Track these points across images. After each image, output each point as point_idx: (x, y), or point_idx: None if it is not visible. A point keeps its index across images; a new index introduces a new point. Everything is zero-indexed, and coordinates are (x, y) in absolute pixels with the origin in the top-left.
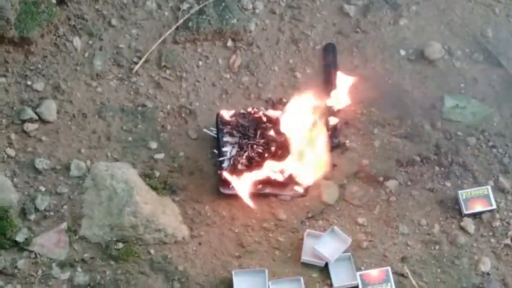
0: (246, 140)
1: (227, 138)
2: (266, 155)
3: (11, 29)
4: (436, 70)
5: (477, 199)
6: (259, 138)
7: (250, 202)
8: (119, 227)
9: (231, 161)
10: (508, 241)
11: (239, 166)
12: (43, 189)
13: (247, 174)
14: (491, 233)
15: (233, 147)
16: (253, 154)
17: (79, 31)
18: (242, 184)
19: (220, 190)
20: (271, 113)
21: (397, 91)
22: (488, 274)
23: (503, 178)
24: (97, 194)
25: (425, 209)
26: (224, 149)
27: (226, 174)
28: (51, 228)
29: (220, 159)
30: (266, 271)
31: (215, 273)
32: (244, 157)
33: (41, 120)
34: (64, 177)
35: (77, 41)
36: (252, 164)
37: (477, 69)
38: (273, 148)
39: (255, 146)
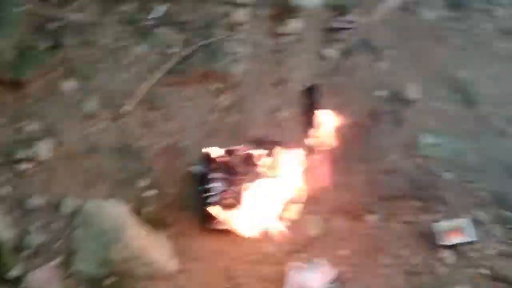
0: (234, 177)
1: (213, 175)
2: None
3: (6, 72)
4: (413, 110)
5: (455, 231)
6: (247, 175)
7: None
8: (109, 262)
9: (218, 197)
10: (485, 271)
11: (226, 202)
12: (36, 226)
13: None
14: (468, 264)
15: (221, 183)
16: (240, 190)
17: (71, 75)
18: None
19: (207, 225)
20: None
21: (376, 130)
22: None
23: (479, 211)
24: (88, 230)
25: (404, 242)
26: (211, 185)
27: (213, 210)
28: (44, 265)
29: (206, 195)
30: None
31: None
32: (231, 193)
33: (34, 160)
34: (57, 215)
35: (69, 84)
36: (240, 200)
37: (453, 109)
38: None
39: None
